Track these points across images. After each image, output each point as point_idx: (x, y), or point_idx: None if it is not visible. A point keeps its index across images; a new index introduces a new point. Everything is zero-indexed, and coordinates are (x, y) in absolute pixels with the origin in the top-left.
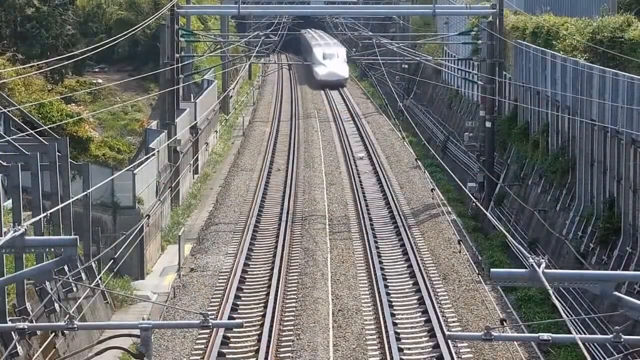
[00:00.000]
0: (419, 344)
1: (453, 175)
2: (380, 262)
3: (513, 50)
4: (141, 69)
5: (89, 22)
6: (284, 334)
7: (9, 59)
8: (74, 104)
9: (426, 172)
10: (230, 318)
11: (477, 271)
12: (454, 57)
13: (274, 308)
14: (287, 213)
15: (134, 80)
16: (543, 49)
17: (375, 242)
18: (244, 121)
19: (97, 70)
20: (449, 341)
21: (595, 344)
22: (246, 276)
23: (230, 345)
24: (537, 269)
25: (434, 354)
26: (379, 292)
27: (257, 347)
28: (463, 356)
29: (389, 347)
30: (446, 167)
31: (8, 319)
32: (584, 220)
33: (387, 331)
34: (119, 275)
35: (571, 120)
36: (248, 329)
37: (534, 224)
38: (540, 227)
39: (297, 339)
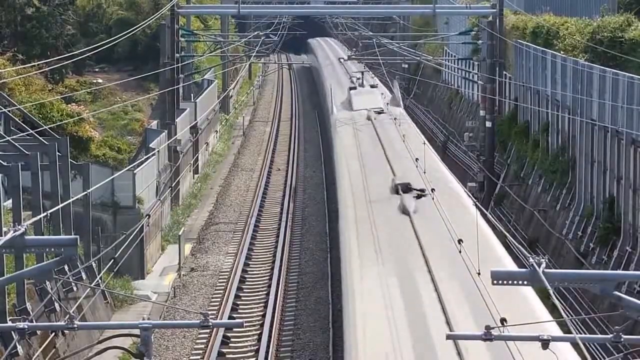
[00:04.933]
0: None
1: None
2: None
3: (513, 50)
4: (141, 69)
5: (89, 22)
6: (284, 333)
7: (9, 59)
8: (74, 104)
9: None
10: (230, 318)
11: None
12: (454, 57)
13: (274, 308)
14: (287, 213)
15: (134, 80)
16: (543, 48)
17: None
18: (244, 121)
19: (97, 70)
20: None
21: (595, 344)
22: (246, 276)
23: (231, 345)
24: (537, 268)
25: None
26: None
27: (257, 347)
28: None
29: None
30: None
31: (8, 318)
32: (584, 220)
33: None
34: (119, 275)
35: (571, 120)
36: (248, 328)
37: (534, 224)
38: (540, 226)
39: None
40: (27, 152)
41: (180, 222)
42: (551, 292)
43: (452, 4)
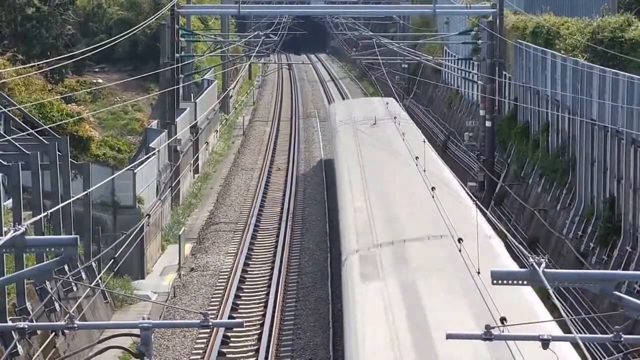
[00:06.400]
0: None
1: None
2: None
3: (513, 50)
4: (141, 68)
5: (89, 22)
6: (284, 333)
7: (9, 59)
8: (74, 104)
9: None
10: (230, 318)
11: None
12: (454, 56)
13: (274, 307)
14: (288, 212)
15: (134, 80)
16: (543, 48)
17: None
18: (244, 121)
19: (97, 70)
20: None
21: (595, 344)
22: (246, 276)
23: (231, 345)
24: (537, 268)
25: None
26: None
27: (257, 347)
28: None
29: None
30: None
31: (8, 318)
32: (584, 220)
33: None
34: (119, 275)
35: (571, 119)
36: (248, 328)
37: (534, 224)
38: (540, 226)
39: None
40: (27, 152)
41: (180, 221)
42: (551, 292)
43: (452, 4)
